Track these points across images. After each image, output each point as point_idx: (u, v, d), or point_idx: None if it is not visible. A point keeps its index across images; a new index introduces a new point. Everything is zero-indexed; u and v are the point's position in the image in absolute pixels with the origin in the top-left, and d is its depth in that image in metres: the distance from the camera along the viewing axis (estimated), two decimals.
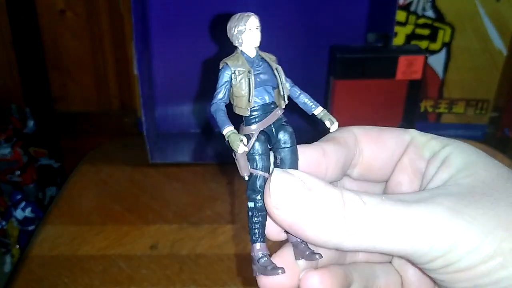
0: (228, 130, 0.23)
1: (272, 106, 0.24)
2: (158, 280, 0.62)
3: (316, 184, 0.22)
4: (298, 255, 0.25)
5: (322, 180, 0.22)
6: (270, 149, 0.25)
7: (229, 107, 0.24)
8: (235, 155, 0.23)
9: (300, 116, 0.28)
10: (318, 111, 0.25)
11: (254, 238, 0.25)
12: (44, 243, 0.68)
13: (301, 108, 0.26)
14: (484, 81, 1.00)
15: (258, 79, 0.24)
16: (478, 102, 1.02)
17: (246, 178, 0.24)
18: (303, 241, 0.24)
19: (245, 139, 0.23)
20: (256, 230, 0.24)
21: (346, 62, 0.77)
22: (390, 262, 0.29)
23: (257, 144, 0.24)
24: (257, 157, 0.24)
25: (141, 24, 0.80)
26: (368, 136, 0.27)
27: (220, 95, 0.23)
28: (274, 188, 0.22)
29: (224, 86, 0.23)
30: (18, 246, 1.17)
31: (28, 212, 1.13)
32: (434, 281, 0.24)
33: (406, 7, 0.95)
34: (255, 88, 0.23)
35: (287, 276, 0.24)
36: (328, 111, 0.25)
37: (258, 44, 0.24)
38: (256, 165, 0.24)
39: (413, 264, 0.23)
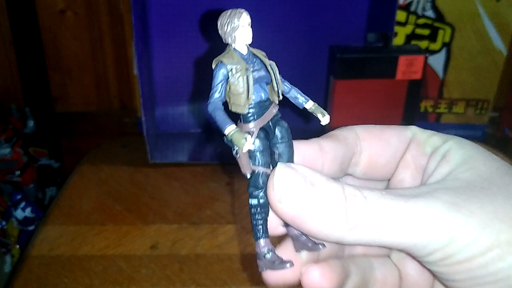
0: (230, 128, 0.22)
1: (267, 102, 0.24)
2: (158, 280, 0.62)
3: (319, 178, 0.22)
4: (299, 248, 0.25)
5: (324, 175, 0.23)
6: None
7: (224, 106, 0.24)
8: (236, 153, 0.23)
9: (292, 111, 0.28)
10: (310, 105, 0.25)
11: (258, 234, 0.25)
12: (44, 243, 0.68)
13: (293, 103, 0.26)
14: (484, 81, 1.00)
15: (256, 76, 0.24)
16: (478, 102, 1.02)
17: (248, 176, 0.24)
18: (304, 234, 0.24)
19: (249, 137, 0.22)
20: (260, 226, 0.25)
21: (346, 62, 0.77)
22: (389, 257, 0.29)
23: (257, 141, 0.24)
24: (258, 154, 0.24)
25: (141, 24, 0.80)
26: (371, 134, 0.27)
27: (217, 94, 0.23)
28: (277, 182, 0.22)
29: (220, 84, 0.23)
30: (18, 246, 1.17)
31: (28, 212, 1.13)
32: (433, 274, 0.24)
33: (406, 7, 0.95)
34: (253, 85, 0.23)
35: (293, 269, 0.24)
36: (328, 111, 0.25)
37: (250, 41, 0.24)
38: (258, 162, 0.24)
39: (413, 257, 0.24)
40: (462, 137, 0.25)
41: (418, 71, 0.77)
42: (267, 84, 0.24)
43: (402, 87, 0.78)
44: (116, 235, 0.70)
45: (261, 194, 0.24)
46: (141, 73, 0.78)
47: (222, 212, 0.75)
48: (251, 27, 0.24)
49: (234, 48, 0.24)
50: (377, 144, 0.27)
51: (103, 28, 1.17)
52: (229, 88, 0.23)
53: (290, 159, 0.25)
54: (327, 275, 0.24)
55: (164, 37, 0.88)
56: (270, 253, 0.24)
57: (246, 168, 0.24)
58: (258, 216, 0.24)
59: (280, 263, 0.24)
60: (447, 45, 0.98)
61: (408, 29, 0.97)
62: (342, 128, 0.27)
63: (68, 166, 1.30)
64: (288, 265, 0.24)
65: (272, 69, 0.24)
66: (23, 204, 1.13)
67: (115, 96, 1.25)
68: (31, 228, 1.13)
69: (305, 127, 0.64)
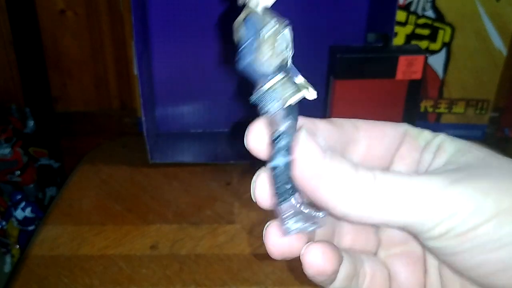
0: (279, 76, 0.24)
1: None
2: (158, 280, 0.62)
3: (333, 151, 0.23)
4: (285, 232, 0.25)
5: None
6: None
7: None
8: (273, 110, 0.24)
9: None
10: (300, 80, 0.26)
11: (287, 195, 0.24)
12: (44, 243, 0.68)
13: None
14: (484, 81, 1.00)
15: None
16: (478, 102, 1.02)
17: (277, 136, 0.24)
18: (303, 206, 0.24)
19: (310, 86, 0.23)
20: (289, 185, 0.24)
21: (346, 62, 0.77)
22: (376, 255, 0.29)
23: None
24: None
25: (141, 24, 0.80)
26: (368, 124, 0.29)
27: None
28: (302, 145, 0.23)
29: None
30: (18, 246, 1.17)
31: (28, 212, 1.13)
32: (432, 252, 0.24)
33: (406, 7, 0.94)
34: None
35: (299, 242, 0.25)
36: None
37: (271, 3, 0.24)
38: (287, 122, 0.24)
39: (415, 236, 0.24)
40: (462, 137, 0.26)
41: (418, 71, 0.77)
42: None
43: (402, 87, 0.78)
44: (116, 235, 0.70)
45: (285, 154, 0.24)
46: (141, 73, 0.78)
47: (222, 212, 0.75)
48: None
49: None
50: (376, 135, 0.28)
51: (103, 28, 1.17)
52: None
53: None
54: (329, 253, 0.24)
55: (164, 37, 0.87)
56: (303, 205, 0.24)
57: (278, 125, 0.24)
58: (280, 177, 0.24)
59: (314, 217, 0.24)
60: (447, 45, 0.98)
61: (408, 29, 0.97)
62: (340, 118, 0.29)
63: (68, 166, 1.29)
64: (321, 214, 0.24)
65: None
66: (23, 204, 1.13)
67: (115, 96, 1.25)
68: (31, 228, 1.13)
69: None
